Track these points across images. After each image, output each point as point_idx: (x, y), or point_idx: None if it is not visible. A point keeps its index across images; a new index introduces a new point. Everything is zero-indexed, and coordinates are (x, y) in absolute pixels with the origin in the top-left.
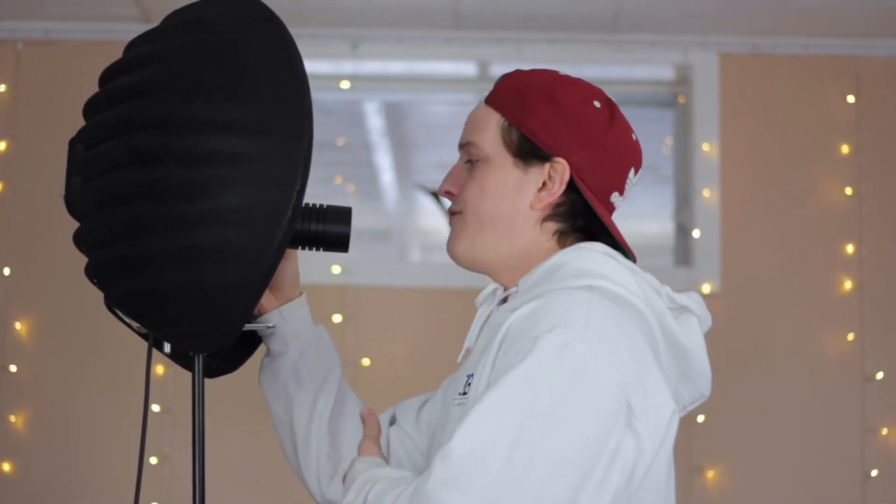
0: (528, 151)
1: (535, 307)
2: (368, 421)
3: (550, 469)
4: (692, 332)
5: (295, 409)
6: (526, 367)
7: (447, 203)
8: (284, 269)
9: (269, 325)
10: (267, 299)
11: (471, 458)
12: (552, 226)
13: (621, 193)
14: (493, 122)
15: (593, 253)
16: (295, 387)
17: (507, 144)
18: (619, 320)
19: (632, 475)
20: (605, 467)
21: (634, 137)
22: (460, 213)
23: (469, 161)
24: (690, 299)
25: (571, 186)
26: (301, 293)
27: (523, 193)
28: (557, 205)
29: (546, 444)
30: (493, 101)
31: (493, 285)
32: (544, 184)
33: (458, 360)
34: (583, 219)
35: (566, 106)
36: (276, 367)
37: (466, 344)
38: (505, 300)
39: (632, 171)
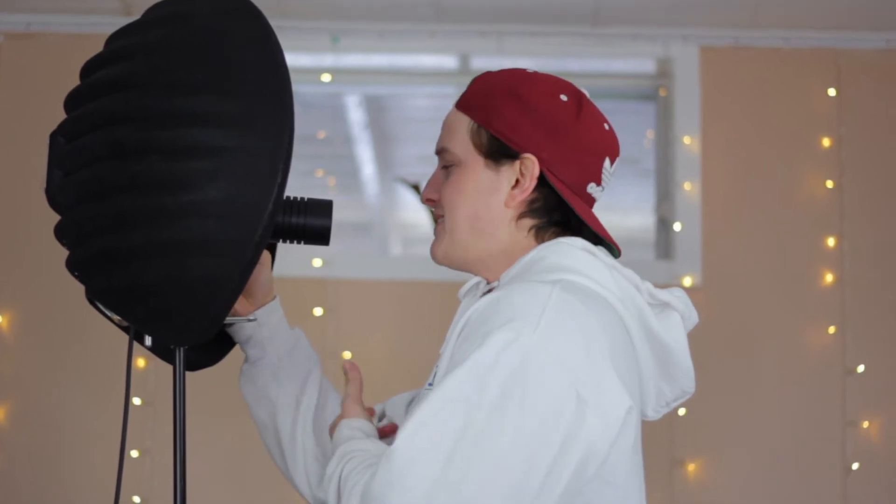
0: (497, 151)
1: (494, 299)
2: (352, 376)
3: (492, 466)
4: (673, 328)
5: (278, 412)
6: (471, 363)
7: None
8: (258, 273)
9: (251, 317)
10: (241, 304)
11: (412, 458)
12: (528, 222)
13: (598, 184)
14: (463, 125)
15: (570, 248)
16: (276, 391)
17: (477, 146)
18: (576, 315)
19: (584, 468)
20: (550, 462)
21: (607, 127)
22: (443, 218)
23: (445, 167)
24: (672, 296)
25: (544, 182)
26: (275, 297)
27: (497, 193)
28: (531, 201)
29: (488, 440)
30: (462, 105)
31: (475, 278)
32: (517, 181)
33: (441, 351)
34: (558, 213)
35: (530, 102)
36: (255, 373)
37: (448, 335)
38: (488, 293)
39: (607, 161)
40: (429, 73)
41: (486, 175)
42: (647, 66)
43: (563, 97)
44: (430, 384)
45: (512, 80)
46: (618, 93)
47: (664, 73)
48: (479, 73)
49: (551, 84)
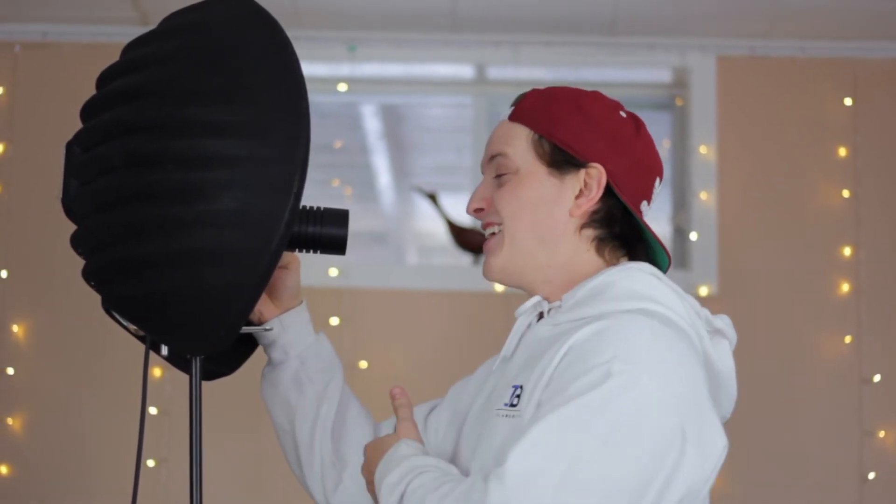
0: (562, 160)
1: (597, 330)
2: (401, 402)
3: (601, 497)
4: (724, 355)
5: (297, 417)
6: (584, 394)
7: (478, 222)
8: (286, 279)
9: (267, 327)
10: (267, 308)
11: (525, 480)
12: (590, 233)
13: (649, 203)
14: (522, 136)
15: (640, 273)
16: (296, 395)
17: (540, 155)
18: (679, 350)
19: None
20: (655, 496)
21: (657, 148)
22: (498, 229)
23: (498, 176)
24: (724, 322)
25: (607, 193)
26: (301, 302)
27: (561, 202)
28: (594, 211)
29: (598, 471)
30: (517, 117)
31: (535, 298)
32: (581, 191)
33: (494, 367)
34: (619, 225)
35: (594, 114)
36: (276, 377)
37: (504, 353)
38: (541, 317)
39: (657, 181)
40: (445, 83)
41: (550, 183)
42: (664, 75)
43: (623, 113)
44: (508, 405)
45: (572, 95)
46: (634, 102)
47: (681, 82)
48: (494, 82)
49: (609, 100)
